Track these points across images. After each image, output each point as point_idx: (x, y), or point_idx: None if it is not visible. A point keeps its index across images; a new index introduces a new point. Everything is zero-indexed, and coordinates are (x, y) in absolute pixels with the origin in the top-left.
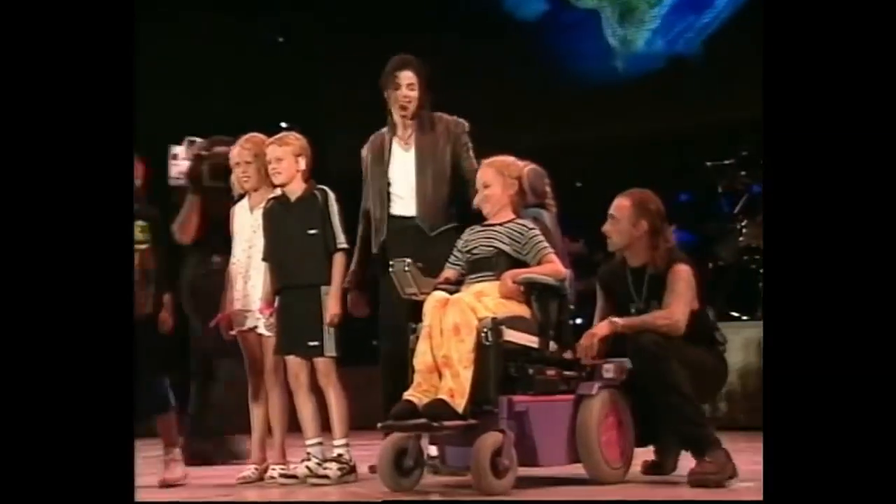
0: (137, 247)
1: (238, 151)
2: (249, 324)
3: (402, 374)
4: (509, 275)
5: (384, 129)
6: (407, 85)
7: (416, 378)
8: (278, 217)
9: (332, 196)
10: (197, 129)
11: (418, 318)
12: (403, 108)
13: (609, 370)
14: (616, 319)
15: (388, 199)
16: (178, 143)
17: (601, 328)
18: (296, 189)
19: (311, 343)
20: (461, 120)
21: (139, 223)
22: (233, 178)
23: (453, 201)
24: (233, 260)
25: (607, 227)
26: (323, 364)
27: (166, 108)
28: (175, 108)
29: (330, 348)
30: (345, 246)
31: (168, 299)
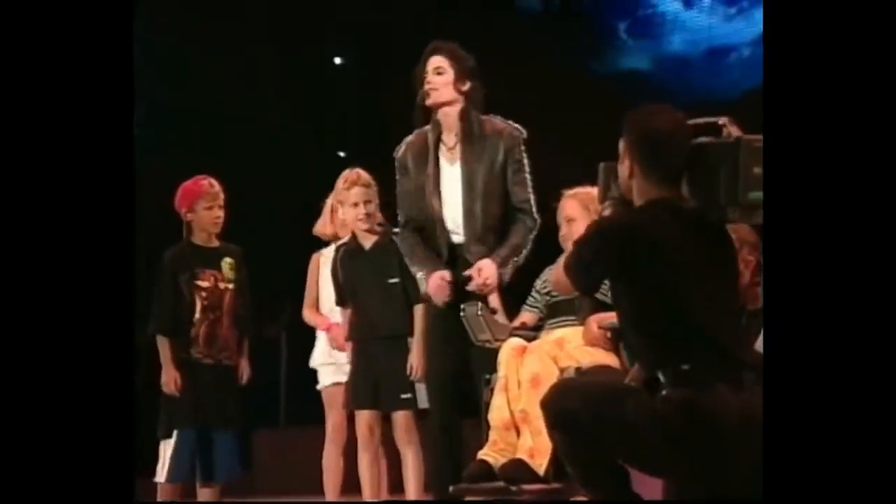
0: (227, 286)
1: (360, 191)
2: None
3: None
4: (595, 319)
5: (426, 128)
6: (434, 69)
7: (492, 435)
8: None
9: None
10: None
11: (492, 368)
12: (426, 94)
13: None
14: None
15: (445, 224)
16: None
17: None
18: (370, 235)
19: (404, 396)
20: (516, 126)
21: (227, 260)
22: (351, 220)
23: (505, 230)
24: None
25: None
26: (404, 419)
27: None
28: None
29: (423, 400)
30: None
31: (246, 345)
